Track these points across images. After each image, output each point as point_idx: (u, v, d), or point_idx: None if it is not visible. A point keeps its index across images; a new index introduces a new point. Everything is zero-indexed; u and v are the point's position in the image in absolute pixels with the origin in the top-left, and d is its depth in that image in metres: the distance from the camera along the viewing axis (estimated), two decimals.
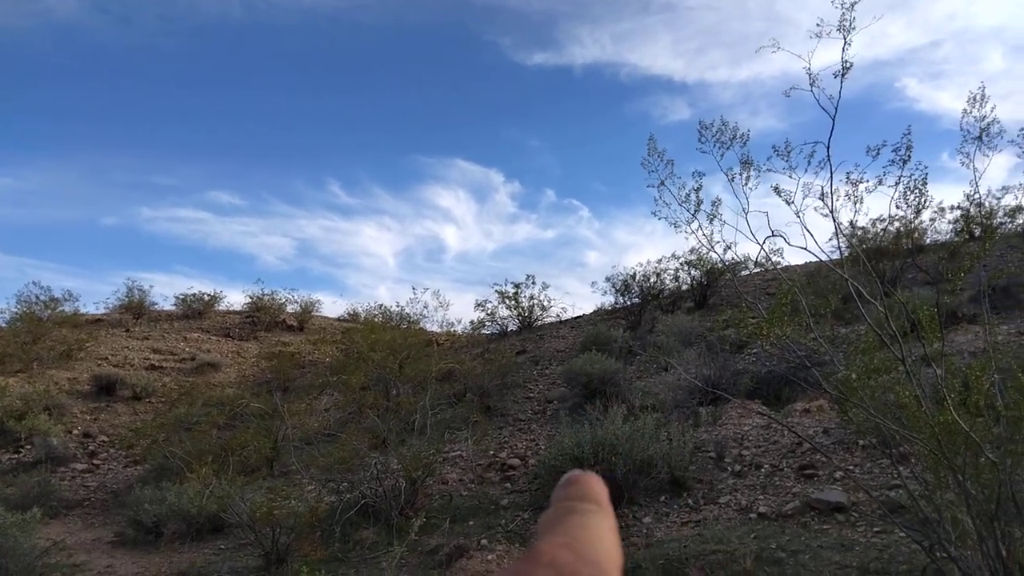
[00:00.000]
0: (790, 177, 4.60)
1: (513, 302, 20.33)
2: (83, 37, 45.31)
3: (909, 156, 4.42)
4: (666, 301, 18.86)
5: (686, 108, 49.52)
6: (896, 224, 13.28)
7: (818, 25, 4.18)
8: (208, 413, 12.32)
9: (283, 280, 70.25)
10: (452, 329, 21.18)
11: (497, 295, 20.34)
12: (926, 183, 4.57)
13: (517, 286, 20.32)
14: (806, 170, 4.52)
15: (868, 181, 4.54)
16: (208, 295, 26.01)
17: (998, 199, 15.97)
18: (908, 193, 4.56)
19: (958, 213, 15.80)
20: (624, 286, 18.76)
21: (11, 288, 57.98)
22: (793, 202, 4.58)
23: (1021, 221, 16.88)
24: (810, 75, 4.29)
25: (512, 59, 52.39)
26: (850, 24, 4.09)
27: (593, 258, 59.55)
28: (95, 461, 13.48)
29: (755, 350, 12.87)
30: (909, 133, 4.43)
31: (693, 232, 5.26)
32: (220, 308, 26.33)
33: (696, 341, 13.85)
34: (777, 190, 4.65)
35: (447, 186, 58.81)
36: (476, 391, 13.89)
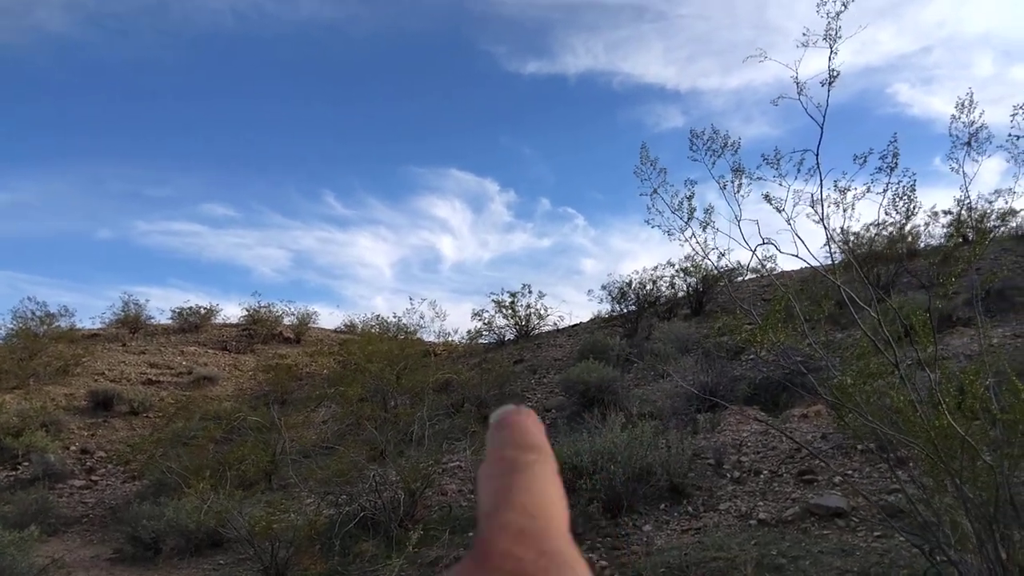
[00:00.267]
0: (780, 185, 4.64)
1: (510, 311, 20.35)
2: (78, 51, 45.37)
3: (896, 163, 4.46)
4: (662, 308, 18.89)
5: (679, 116, 49.72)
6: (890, 229, 13.36)
7: (804, 34, 4.24)
8: (205, 427, 12.28)
9: (279, 292, 70.06)
10: (449, 339, 21.18)
11: (494, 304, 20.37)
12: (914, 190, 4.61)
13: (514, 295, 20.36)
14: (796, 178, 4.56)
15: (856, 188, 4.58)
16: (204, 308, 25.97)
17: (990, 202, 16.06)
18: (897, 200, 4.60)
19: (950, 218, 15.90)
20: (620, 294, 18.80)
21: (4, 303, 57.78)
22: (784, 210, 4.61)
23: (1015, 224, 16.99)
24: (798, 84, 4.34)
25: (506, 68, 52.56)
26: (836, 33, 4.14)
27: (589, 266, 59.57)
28: (93, 477, 13.42)
29: (752, 356, 12.89)
30: (895, 141, 4.48)
31: (686, 240, 5.29)
32: (216, 321, 26.28)
33: (693, 348, 13.87)
34: (768, 198, 4.68)
35: (442, 196, 58.87)
36: (474, 401, 13.88)
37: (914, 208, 4.70)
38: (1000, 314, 11.96)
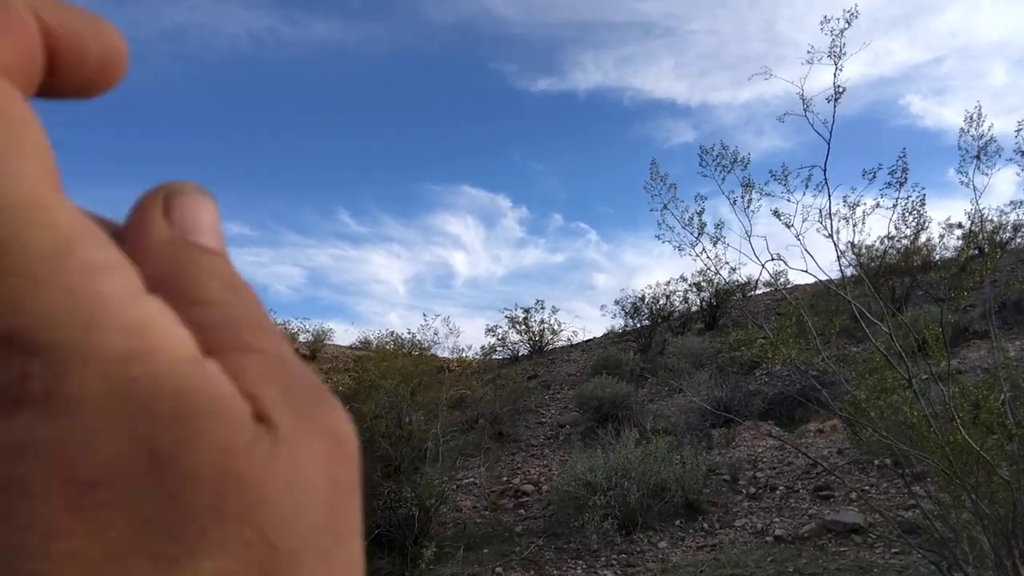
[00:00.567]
0: (788, 200, 4.67)
1: (523, 327, 20.36)
2: None
3: (905, 179, 4.49)
4: (676, 323, 18.85)
5: (690, 130, 49.87)
6: (904, 241, 13.29)
7: (809, 52, 4.28)
8: None
9: (294, 310, 70.58)
10: (463, 355, 21.20)
11: (507, 320, 20.40)
12: (924, 204, 4.63)
13: (527, 311, 20.37)
14: (804, 193, 4.59)
15: (865, 203, 4.60)
16: None
17: (1006, 213, 15.95)
18: (906, 215, 4.62)
19: (961, 231, 15.79)
20: (634, 308, 18.77)
21: None
22: (792, 225, 4.64)
23: None
24: (803, 100, 4.37)
25: (516, 86, 53.13)
26: (840, 50, 4.19)
27: (602, 281, 59.58)
28: None
29: (766, 371, 12.83)
30: (904, 156, 4.50)
31: (697, 256, 5.32)
32: None
33: (707, 362, 13.82)
34: (777, 214, 4.71)
35: (455, 212, 59.33)
36: (488, 417, 13.88)
37: (924, 223, 4.72)
38: (1017, 327, 11.83)
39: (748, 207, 5.16)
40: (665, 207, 5.56)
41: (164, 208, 0.26)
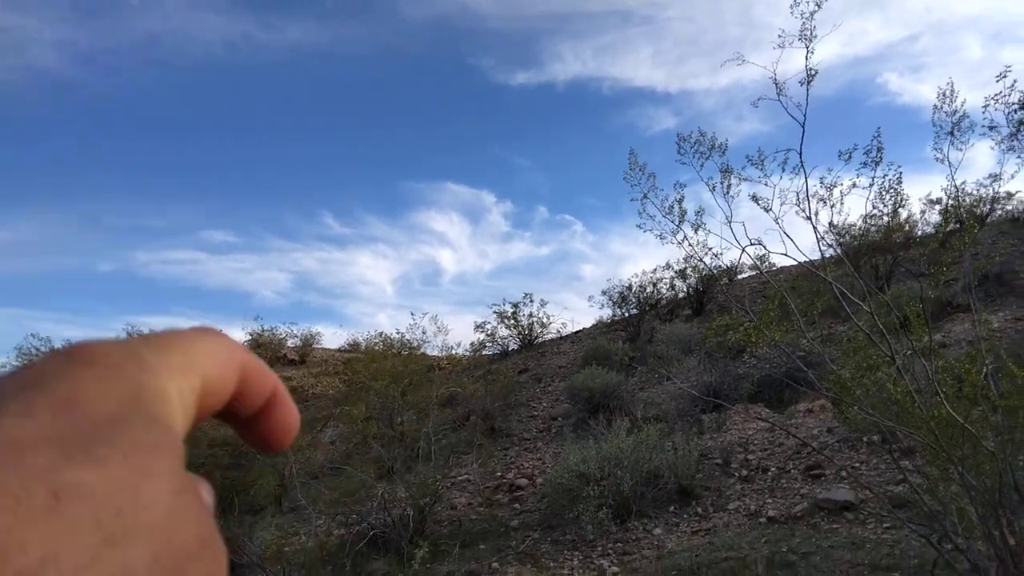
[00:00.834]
0: (766, 185, 4.68)
1: (512, 321, 20.36)
2: (71, 89, 45.80)
3: (880, 158, 4.50)
4: (664, 310, 18.91)
5: (671, 117, 50.01)
6: (885, 219, 13.38)
7: (780, 35, 4.29)
8: (212, 453, 12.28)
9: (282, 315, 69.97)
10: (453, 353, 21.18)
11: (496, 315, 20.39)
12: (900, 182, 4.66)
13: (515, 305, 20.37)
14: (781, 176, 4.60)
15: (842, 184, 4.62)
16: None
17: (984, 186, 16.09)
18: (883, 193, 4.64)
19: (940, 207, 15.92)
20: (621, 298, 18.82)
21: (6, 341, 57.95)
22: (771, 209, 4.65)
23: (1011, 207, 16.99)
24: (776, 84, 4.38)
25: (495, 80, 52.99)
26: (811, 33, 4.19)
27: (589, 271, 59.82)
28: None
29: (755, 354, 12.89)
30: (879, 136, 4.52)
31: (679, 243, 5.33)
32: None
33: (696, 348, 13.87)
34: (755, 198, 4.73)
35: (440, 210, 59.18)
36: (480, 413, 13.88)
37: (902, 200, 4.74)
38: (1000, 298, 11.96)
39: (728, 192, 5.17)
40: (645, 196, 5.56)
41: None
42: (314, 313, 62.37)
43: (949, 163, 4.64)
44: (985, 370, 4.43)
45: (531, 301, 20.47)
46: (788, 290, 5.03)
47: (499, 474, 10.91)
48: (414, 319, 25.72)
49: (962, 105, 4.69)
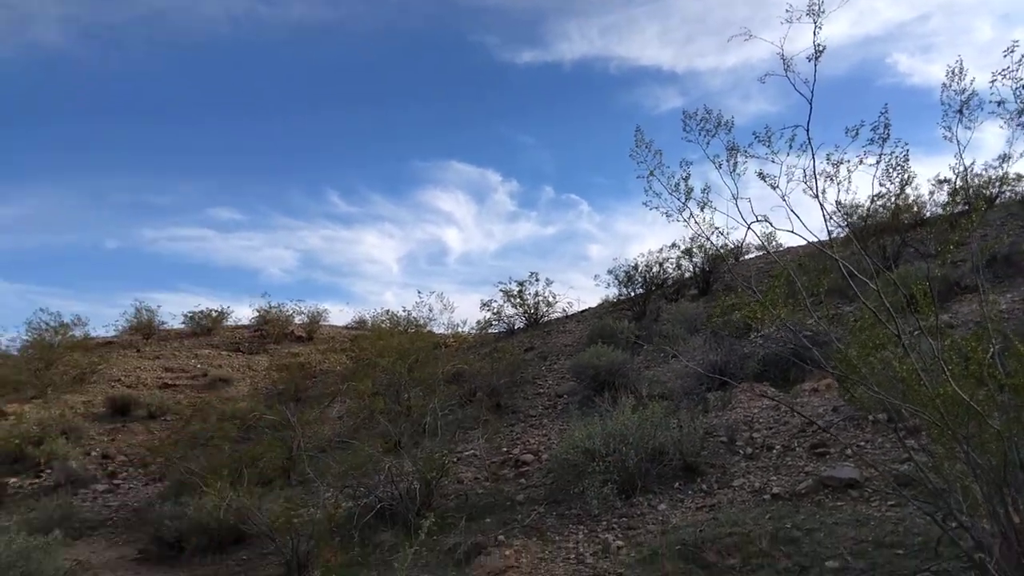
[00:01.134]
0: (773, 162, 4.66)
1: (518, 300, 20.41)
2: (75, 65, 45.66)
3: (887, 134, 4.48)
4: (670, 290, 18.90)
5: (677, 97, 49.66)
6: (893, 199, 13.30)
7: (787, 11, 4.25)
8: (222, 427, 12.43)
9: (289, 292, 70.46)
10: (459, 330, 21.27)
11: (502, 294, 20.43)
12: (907, 160, 4.62)
13: (521, 284, 20.41)
14: (788, 153, 4.58)
15: (849, 161, 4.59)
16: (216, 311, 26.20)
17: (993, 167, 15.95)
18: (891, 170, 4.61)
19: (948, 187, 15.79)
20: (627, 277, 18.82)
21: (15, 316, 58.52)
22: (777, 187, 4.64)
23: (1021, 188, 16.84)
24: (784, 60, 4.35)
25: (500, 58, 52.60)
26: (819, 8, 4.16)
27: (595, 251, 59.78)
28: (115, 481, 13.62)
29: (761, 333, 12.91)
30: (886, 112, 4.49)
31: (685, 221, 5.32)
32: (228, 324, 26.49)
33: (702, 327, 13.90)
34: (762, 175, 4.71)
35: (445, 189, 59.10)
36: (486, 390, 13.98)
37: (908, 178, 4.71)
38: (1008, 279, 11.90)
39: (734, 171, 5.15)
40: (651, 174, 5.54)
41: None
42: (321, 291, 62.64)
43: (958, 142, 4.62)
44: (992, 350, 4.43)
45: (537, 280, 20.52)
46: (795, 268, 5.03)
47: (505, 450, 11.01)
48: (420, 297, 25.85)
49: (971, 83, 4.66)
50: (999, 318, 8.07)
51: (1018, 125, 4.78)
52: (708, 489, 7.96)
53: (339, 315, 37.87)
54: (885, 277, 5.13)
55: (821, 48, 4.25)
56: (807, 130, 4.41)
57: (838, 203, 4.73)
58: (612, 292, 19.72)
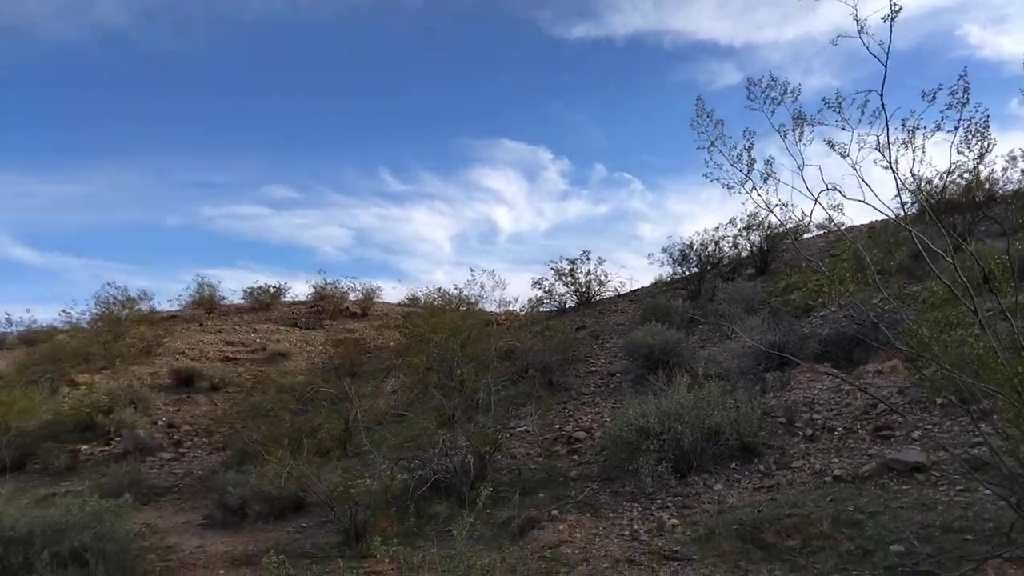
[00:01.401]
0: (843, 129, 4.46)
1: (570, 278, 20.29)
2: (136, 45, 46.98)
3: (967, 99, 4.23)
4: (726, 269, 18.53)
5: (734, 72, 48.35)
6: (966, 174, 12.69)
7: None
8: (281, 399, 12.76)
9: (343, 269, 71.68)
10: (510, 308, 21.28)
11: (553, 272, 20.34)
12: (988, 126, 4.36)
13: (572, 262, 20.27)
14: (859, 121, 4.38)
15: (926, 128, 4.37)
16: (273, 287, 26.81)
17: None
18: (969, 137, 4.36)
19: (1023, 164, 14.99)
20: (682, 256, 18.49)
21: (82, 290, 61.19)
22: (848, 155, 4.45)
23: None
24: (857, 21, 4.14)
25: (551, 33, 51.98)
26: None
27: (647, 230, 59.01)
28: (181, 449, 14.16)
29: (822, 313, 12.56)
30: (965, 74, 4.24)
31: (747, 193, 5.17)
32: (286, 299, 27.09)
33: (759, 307, 13.59)
34: (831, 143, 4.53)
35: (496, 167, 59.02)
36: (538, 367, 13.99)
37: (988, 145, 4.44)
38: None
39: (799, 140, 4.97)
40: (712, 144, 5.39)
41: None
42: (374, 268, 63.61)
43: None
44: None
45: (588, 259, 20.34)
46: (864, 243, 4.84)
47: (557, 426, 11.02)
48: (472, 275, 25.92)
49: None
50: None
51: None
52: (766, 470, 7.82)
53: (392, 292, 38.41)
54: (962, 253, 4.91)
55: (897, 8, 4.04)
56: (880, 95, 4.21)
57: (912, 173, 4.52)
58: (666, 271, 19.43)
